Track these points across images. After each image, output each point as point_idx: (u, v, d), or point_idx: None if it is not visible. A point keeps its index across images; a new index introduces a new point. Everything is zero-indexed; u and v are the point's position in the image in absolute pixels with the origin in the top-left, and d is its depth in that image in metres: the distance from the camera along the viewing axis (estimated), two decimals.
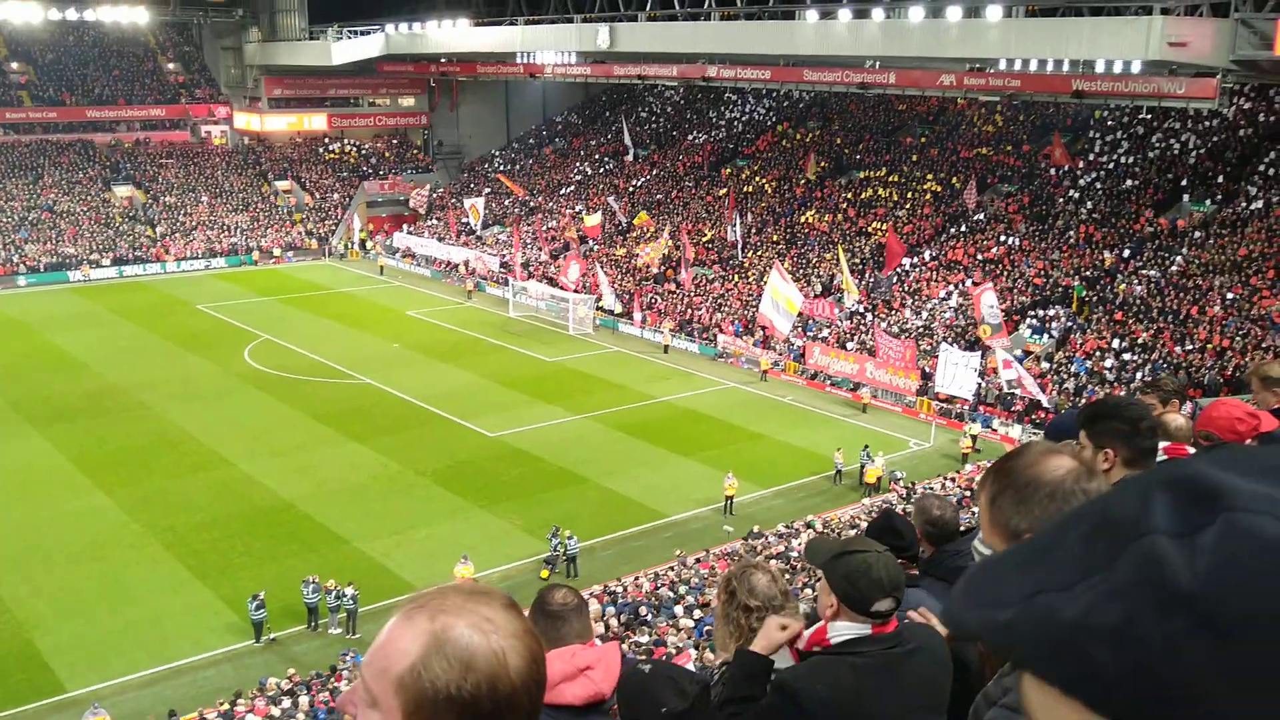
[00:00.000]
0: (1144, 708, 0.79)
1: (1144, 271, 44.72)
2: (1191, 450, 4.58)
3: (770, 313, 45.07)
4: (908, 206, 56.38)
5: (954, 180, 56.64)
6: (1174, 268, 44.16)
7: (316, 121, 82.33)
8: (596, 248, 63.24)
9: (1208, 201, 47.59)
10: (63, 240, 66.59)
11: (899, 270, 50.77)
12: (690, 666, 17.28)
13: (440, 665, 1.30)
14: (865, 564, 3.23)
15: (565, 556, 29.04)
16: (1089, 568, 0.83)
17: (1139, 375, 38.78)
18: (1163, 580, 0.78)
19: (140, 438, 38.05)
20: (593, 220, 63.33)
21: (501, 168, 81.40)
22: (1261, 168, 47.43)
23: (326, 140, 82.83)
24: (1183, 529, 0.79)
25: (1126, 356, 40.30)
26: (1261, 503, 0.78)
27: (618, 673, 3.04)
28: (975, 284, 47.18)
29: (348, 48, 73.43)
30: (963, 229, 52.68)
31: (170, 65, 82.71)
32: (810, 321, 48.77)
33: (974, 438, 37.75)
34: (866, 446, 35.99)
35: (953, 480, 33.36)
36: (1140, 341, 40.68)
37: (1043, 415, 37.23)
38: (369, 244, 73.98)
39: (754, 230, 59.16)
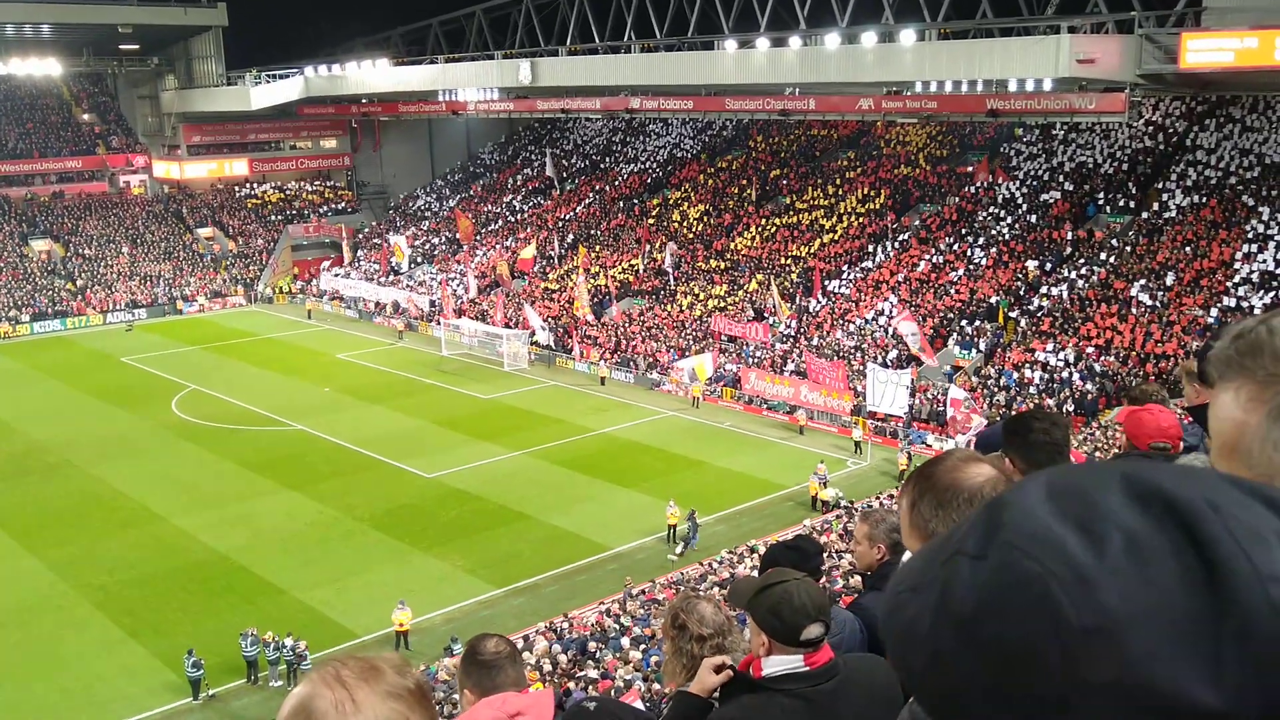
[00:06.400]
0: (943, 712, 0.88)
1: (1066, 281, 45.65)
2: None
3: (685, 367, 47.37)
4: (839, 230, 57.04)
5: (877, 200, 57.50)
6: (1095, 277, 45.15)
7: (238, 167, 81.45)
8: (528, 281, 63.19)
9: (1124, 212, 48.77)
10: None
11: (821, 296, 51.46)
12: (638, 703, 17.19)
13: None
14: (786, 594, 3.21)
15: (680, 538, 32.01)
16: (928, 576, 0.90)
17: (1067, 384, 39.53)
18: (951, 600, 0.86)
19: (67, 497, 37.15)
20: (527, 253, 63.28)
21: (431, 205, 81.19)
22: (1174, 177, 48.75)
23: (249, 185, 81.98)
24: (978, 552, 0.87)
25: (1053, 362, 41.06)
26: (1024, 541, 0.85)
27: (550, 719, 2.99)
28: (903, 301, 47.94)
29: (267, 92, 72.88)
30: (889, 249, 53.41)
31: (85, 116, 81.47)
32: (745, 346, 49.13)
33: (909, 456, 38.11)
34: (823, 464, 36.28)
35: (891, 497, 33.59)
36: (1065, 351, 41.45)
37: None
38: (294, 287, 73.25)
39: (685, 259, 59.48)
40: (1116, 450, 23.83)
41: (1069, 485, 0.89)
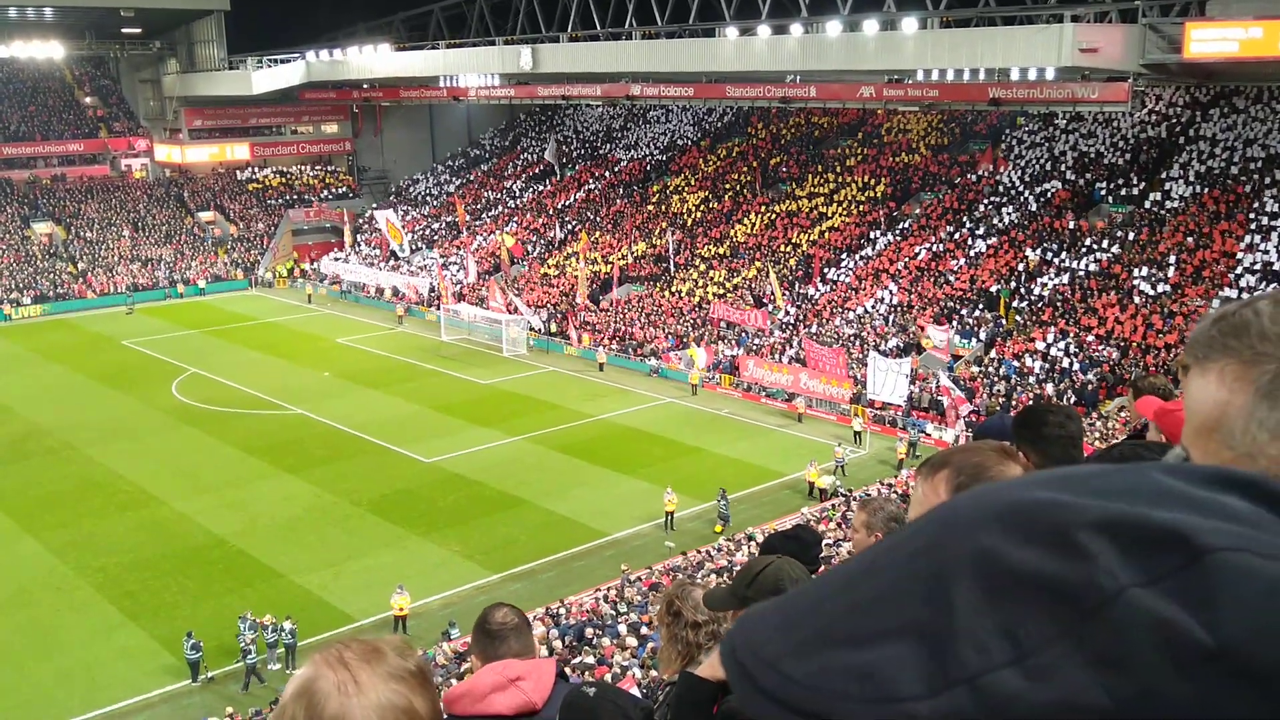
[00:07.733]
0: None
1: (1068, 271, 45.60)
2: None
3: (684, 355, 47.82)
4: (836, 217, 56.96)
5: (878, 189, 57.41)
6: (1095, 267, 45.10)
7: (239, 151, 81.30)
8: (527, 267, 63.14)
9: (1127, 202, 48.69)
10: None
11: (821, 282, 51.44)
12: (635, 690, 17.24)
13: (296, 709, 1.39)
14: (778, 572, 3.17)
15: (719, 517, 32.47)
16: (1035, 638, 0.71)
17: (1067, 374, 39.52)
18: (1176, 637, 0.68)
19: (68, 480, 37.17)
20: (510, 240, 62.81)
21: (432, 190, 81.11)
22: (1177, 167, 48.65)
23: (250, 169, 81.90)
24: (1148, 577, 0.70)
25: (1054, 353, 41.03)
26: (1230, 539, 0.71)
27: (550, 685, 3.05)
28: (902, 289, 47.95)
29: (268, 76, 72.73)
30: (889, 237, 53.35)
31: (88, 99, 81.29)
32: (744, 334, 49.11)
33: (912, 445, 38.12)
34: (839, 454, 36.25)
35: (890, 485, 33.64)
36: (1066, 341, 41.42)
37: (976, 417, 37.73)
38: (300, 269, 73.22)
39: (685, 244, 59.43)
40: (1119, 439, 23.87)
41: (1084, 483, 0.76)
